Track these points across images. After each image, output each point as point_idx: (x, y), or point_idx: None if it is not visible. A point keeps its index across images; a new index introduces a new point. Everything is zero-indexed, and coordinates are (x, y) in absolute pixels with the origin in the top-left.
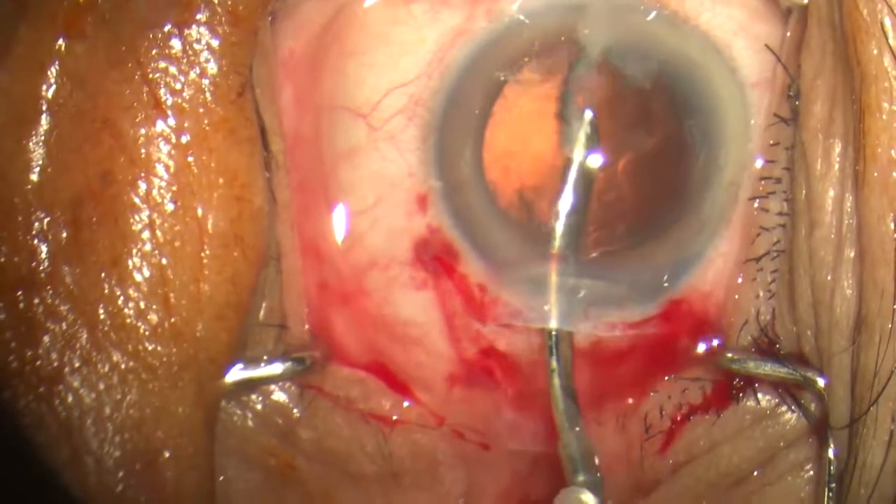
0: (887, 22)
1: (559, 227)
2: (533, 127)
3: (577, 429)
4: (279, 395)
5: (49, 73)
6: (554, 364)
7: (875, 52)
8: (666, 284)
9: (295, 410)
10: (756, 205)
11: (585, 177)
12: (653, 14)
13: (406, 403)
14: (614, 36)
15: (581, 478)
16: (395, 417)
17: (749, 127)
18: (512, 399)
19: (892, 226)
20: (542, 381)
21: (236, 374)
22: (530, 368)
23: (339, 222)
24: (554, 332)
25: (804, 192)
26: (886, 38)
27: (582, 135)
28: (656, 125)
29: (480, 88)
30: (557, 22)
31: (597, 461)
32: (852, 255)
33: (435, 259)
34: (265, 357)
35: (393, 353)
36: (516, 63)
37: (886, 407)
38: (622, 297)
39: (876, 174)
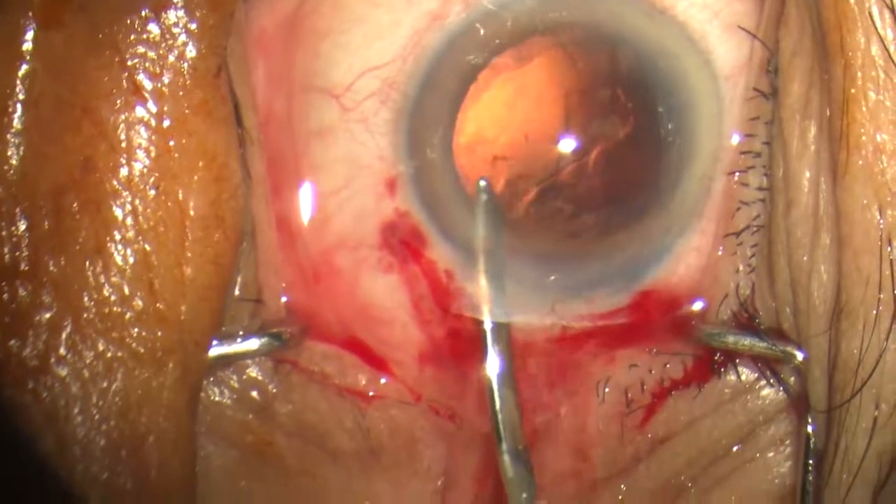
0: (875, 11)
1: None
2: (505, 114)
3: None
4: (254, 371)
5: (27, 64)
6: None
7: (862, 40)
8: (635, 278)
9: (271, 386)
10: (736, 178)
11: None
12: (628, 2)
13: (383, 380)
14: (589, 25)
15: None
16: (371, 393)
17: (722, 120)
18: (480, 379)
19: (877, 214)
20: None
21: (212, 350)
22: None
23: (308, 201)
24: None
25: (782, 169)
26: (875, 27)
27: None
28: (628, 115)
29: (455, 74)
30: (533, 9)
31: None
32: (828, 240)
33: (402, 243)
34: (241, 333)
35: (366, 330)
36: (491, 49)
37: (870, 393)
38: (590, 293)
39: (860, 163)
